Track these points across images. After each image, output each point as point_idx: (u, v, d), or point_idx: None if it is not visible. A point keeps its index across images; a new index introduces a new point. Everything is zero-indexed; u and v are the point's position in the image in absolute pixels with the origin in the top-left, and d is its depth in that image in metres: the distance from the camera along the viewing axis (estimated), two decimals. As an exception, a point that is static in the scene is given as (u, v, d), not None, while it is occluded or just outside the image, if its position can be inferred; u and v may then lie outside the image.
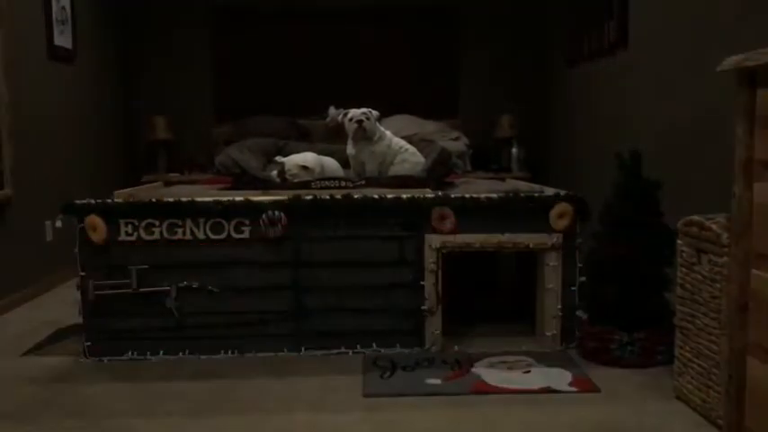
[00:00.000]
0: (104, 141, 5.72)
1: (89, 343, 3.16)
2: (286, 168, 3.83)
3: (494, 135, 6.31)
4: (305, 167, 3.85)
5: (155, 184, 4.41)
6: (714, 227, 2.35)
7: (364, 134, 3.75)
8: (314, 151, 4.15)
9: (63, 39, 4.83)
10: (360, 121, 3.72)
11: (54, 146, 4.73)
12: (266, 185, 3.58)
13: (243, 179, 3.70)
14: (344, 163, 4.06)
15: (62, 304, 4.07)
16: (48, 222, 4.54)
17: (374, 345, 3.20)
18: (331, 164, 4.09)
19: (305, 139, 5.43)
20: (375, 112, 3.80)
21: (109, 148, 5.83)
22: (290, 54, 6.35)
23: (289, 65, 6.36)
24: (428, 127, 5.90)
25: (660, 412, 2.51)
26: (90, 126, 5.40)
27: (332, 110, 5.73)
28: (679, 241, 2.60)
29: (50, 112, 4.69)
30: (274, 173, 3.90)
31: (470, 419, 2.48)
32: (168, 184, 4.65)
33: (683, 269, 2.57)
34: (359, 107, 3.82)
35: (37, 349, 3.36)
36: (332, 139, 5.00)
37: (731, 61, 2.08)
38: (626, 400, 2.62)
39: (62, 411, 2.60)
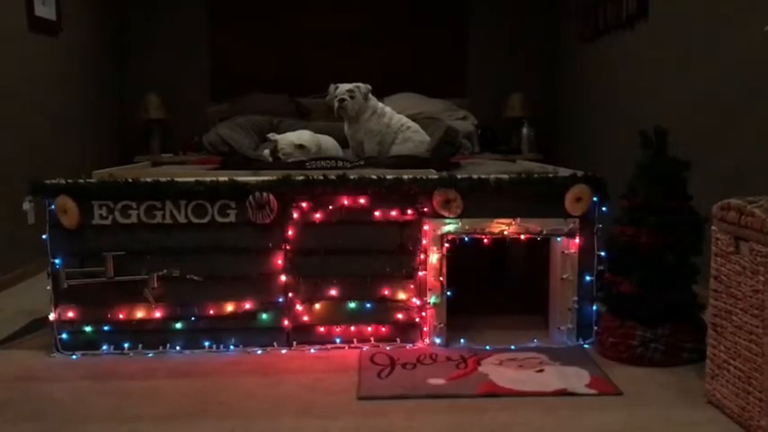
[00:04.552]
0: (94, 121, 5.42)
1: (61, 336, 2.90)
2: (279, 147, 3.56)
3: (503, 115, 6.01)
4: (300, 146, 3.58)
5: (141, 164, 4.14)
6: (757, 212, 2.05)
7: (346, 114, 3.48)
8: (311, 129, 3.88)
9: (45, 9, 4.54)
10: (342, 100, 3.46)
11: (36, 124, 4.45)
12: (256, 165, 3.31)
13: (231, 158, 3.42)
14: (344, 142, 3.79)
15: (42, 292, 3.79)
16: (30, 206, 4.26)
17: (372, 339, 2.93)
18: (329, 143, 3.82)
19: (304, 118, 5.15)
20: (364, 86, 3.53)
21: (99, 127, 5.53)
22: (290, 30, 6.05)
23: (289, 41, 6.06)
24: (434, 106, 5.61)
25: (691, 420, 2.23)
26: (78, 104, 5.10)
27: (332, 87, 5.43)
28: (713, 228, 2.30)
29: (32, 88, 4.41)
30: (266, 152, 3.63)
31: (477, 428, 2.21)
32: (157, 164, 4.38)
33: (719, 259, 2.27)
34: (362, 84, 3.58)
35: (8, 341, 3.11)
36: (332, 118, 4.71)
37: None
38: (652, 405, 2.34)
39: (19, 414, 2.34)
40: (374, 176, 2.88)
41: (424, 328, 2.93)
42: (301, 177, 2.86)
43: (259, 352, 2.89)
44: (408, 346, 2.92)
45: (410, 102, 5.42)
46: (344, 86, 3.52)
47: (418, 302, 2.91)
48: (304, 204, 2.86)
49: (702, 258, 2.66)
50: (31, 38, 4.39)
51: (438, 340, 2.92)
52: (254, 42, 6.05)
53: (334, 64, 5.86)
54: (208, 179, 2.85)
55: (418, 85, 5.84)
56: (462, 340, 2.97)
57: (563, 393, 2.46)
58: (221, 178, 2.86)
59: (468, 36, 6.14)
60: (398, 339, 2.93)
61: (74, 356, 2.87)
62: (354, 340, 2.93)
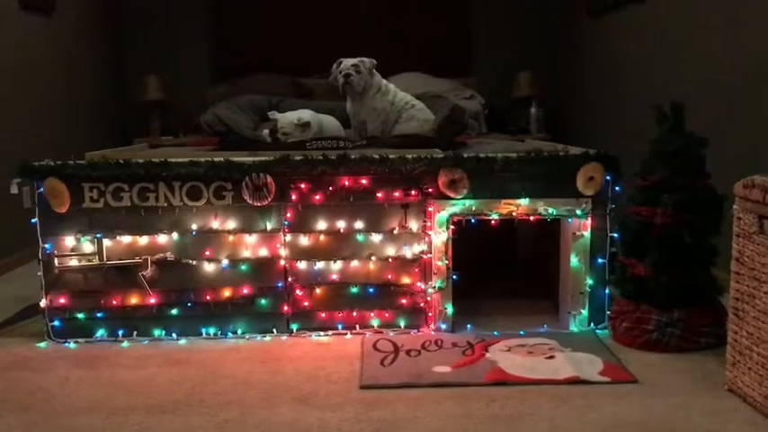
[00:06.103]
0: (90, 103, 5.30)
1: (53, 323, 2.80)
2: (279, 126, 3.44)
3: (511, 94, 5.86)
4: (300, 125, 3.46)
5: (137, 146, 4.03)
6: (784, 188, 1.93)
7: (352, 90, 3.36)
8: (312, 109, 3.75)
9: (39, -13, 4.42)
10: (348, 75, 3.34)
11: (31, 107, 4.33)
12: (254, 146, 3.19)
13: (229, 138, 3.30)
14: (346, 122, 3.67)
15: (35, 279, 3.69)
16: (25, 189, 4.16)
17: (375, 325, 2.82)
18: (330, 122, 3.69)
19: (305, 98, 5.01)
20: (368, 61, 3.41)
21: (97, 110, 5.41)
22: (291, 8, 5.91)
23: (290, 19, 5.91)
24: (440, 85, 5.45)
25: (712, 409, 2.11)
26: (74, 86, 4.98)
27: (335, 66, 5.29)
28: (735, 207, 2.18)
29: (26, 70, 4.28)
30: (266, 132, 3.51)
31: (485, 419, 2.09)
32: (154, 146, 4.26)
33: (741, 240, 2.15)
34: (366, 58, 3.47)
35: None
36: (334, 97, 4.58)
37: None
38: (669, 394, 2.23)
39: (6, 406, 2.23)
40: (377, 156, 2.75)
41: (429, 314, 2.82)
42: (300, 157, 2.74)
43: (258, 339, 2.78)
44: (413, 332, 2.81)
45: (416, 81, 5.26)
46: (348, 61, 3.42)
47: (423, 286, 2.80)
48: (303, 185, 2.74)
49: (721, 239, 2.53)
50: (23, 18, 4.26)
51: (444, 326, 2.81)
52: (255, 22, 5.91)
53: (337, 43, 5.69)
54: (201, 159, 2.74)
55: (424, 64, 5.68)
56: (469, 326, 2.86)
57: (575, 381, 2.34)
58: (216, 159, 2.74)
59: (475, 14, 5.98)
60: (402, 325, 2.82)
61: (66, 344, 2.77)
62: (357, 326, 2.82)
